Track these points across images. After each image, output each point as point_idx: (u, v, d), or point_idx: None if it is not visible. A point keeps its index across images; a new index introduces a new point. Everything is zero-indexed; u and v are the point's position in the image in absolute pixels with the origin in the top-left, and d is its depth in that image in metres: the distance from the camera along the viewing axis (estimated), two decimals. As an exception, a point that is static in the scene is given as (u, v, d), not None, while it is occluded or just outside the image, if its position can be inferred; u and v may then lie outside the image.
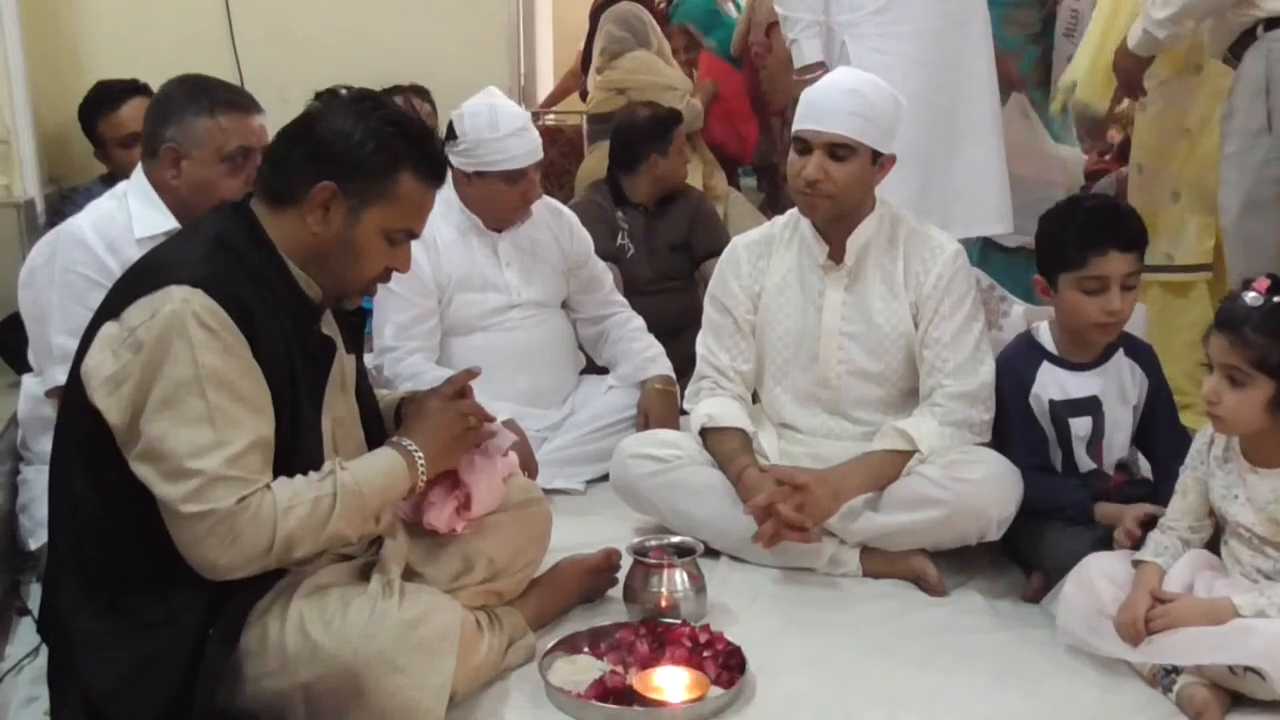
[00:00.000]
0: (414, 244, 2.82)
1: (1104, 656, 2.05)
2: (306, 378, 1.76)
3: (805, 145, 2.45)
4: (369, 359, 2.75)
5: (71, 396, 1.70)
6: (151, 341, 1.61)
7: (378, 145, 1.74)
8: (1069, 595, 2.10)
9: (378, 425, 2.00)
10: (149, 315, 1.62)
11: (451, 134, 2.95)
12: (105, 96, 3.39)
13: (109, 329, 1.65)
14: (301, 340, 1.76)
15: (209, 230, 1.76)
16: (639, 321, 3.25)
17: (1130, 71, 3.11)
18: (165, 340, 1.61)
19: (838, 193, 2.45)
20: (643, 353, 3.18)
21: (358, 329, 1.97)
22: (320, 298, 1.81)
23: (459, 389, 2.00)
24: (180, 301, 1.62)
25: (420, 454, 1.85)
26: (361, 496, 1.74)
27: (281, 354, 1.70)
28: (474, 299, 3.01)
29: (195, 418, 1.61)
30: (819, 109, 2.44)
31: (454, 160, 2.90)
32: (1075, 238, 2.34)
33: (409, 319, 2.93)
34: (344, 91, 1.80)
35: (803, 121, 2.46)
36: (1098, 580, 2.07)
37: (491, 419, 2.02)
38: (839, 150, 2.42)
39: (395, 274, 2.79)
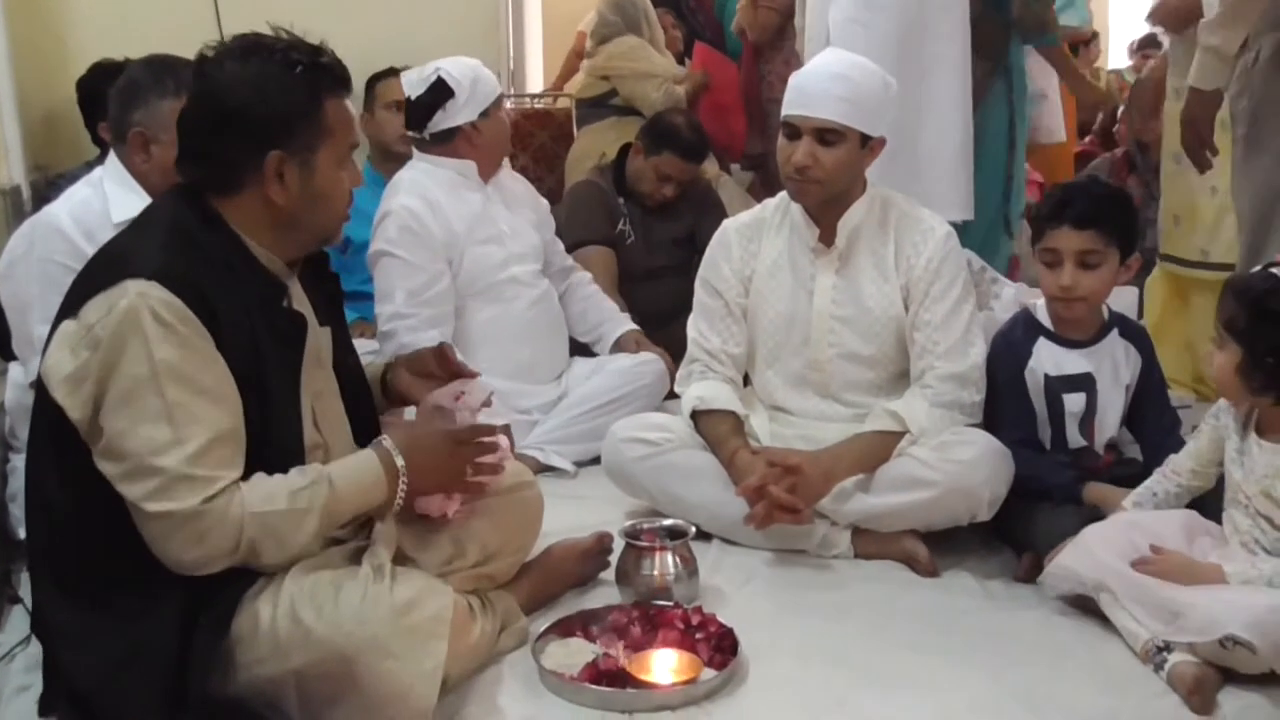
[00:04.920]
0: (419, 207, 2.98)
1: (1095, 636, 2.07)
2: (278, 358, 1.73)
3: (794, 130, 2.44)
4: (360, 344, 2.75)
5: (39, 395, 1.68)
6: (108, 339, 1.59)
7: (294, 92, 1.70)
8: (1065, 562, 2.12)
9: (362, 396, 1.98)
10: (105, 311, 1.60)
11: (445, 95, 2.99)
12: (115, 71, 3.36)
13: (67, 326, 1.63)
14: (270, 320, 1.73)
15: (163, 218, 1.73)
16: (595, 286, 3.46)
17: (1198, 119, 2.75)
18: (120, 337, 1.59)
19: (827, 178, 2.44)
20: (613, 314, 3.41)
21: (334, 299, 1.95)
22: (286, 274, 1.79)
23: (441, 361, 2.01)
24: (136, 295, 1.59)
25: (404, 484, 1.80)
26: (339, 513, 1.74)
27: (246, 339, 1.68)
28: (480, 252, 3.05)
29: (153, 415, 1.59)
30: (806, 94, 2.44)
31: (460, 118, 3.01)
32: (1039, 211, 2.46)
33: (419, 284, 2.94)
34: (209, 53, 1.73)
35: (790, 107, 2.46)
36: (1097, 548, 2.08)
37: (492, 431, 1.98)
38: (827, 135, 2.42)
39: (402, 241, 2.77)
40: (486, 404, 2.04)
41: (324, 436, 1.84)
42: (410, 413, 2.16)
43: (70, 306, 1.65)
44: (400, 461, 1.80)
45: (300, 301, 1.84)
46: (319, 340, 1.86)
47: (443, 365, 2.06)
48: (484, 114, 3.03)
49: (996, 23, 3.35)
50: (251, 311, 1.70)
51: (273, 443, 1.71)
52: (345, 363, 1.96)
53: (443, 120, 3.02)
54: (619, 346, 3.33)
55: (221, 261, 1.70)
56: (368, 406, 2.00)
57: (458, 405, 1.99)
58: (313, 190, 1.74)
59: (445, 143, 3.05)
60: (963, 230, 3.16)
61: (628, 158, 3.83)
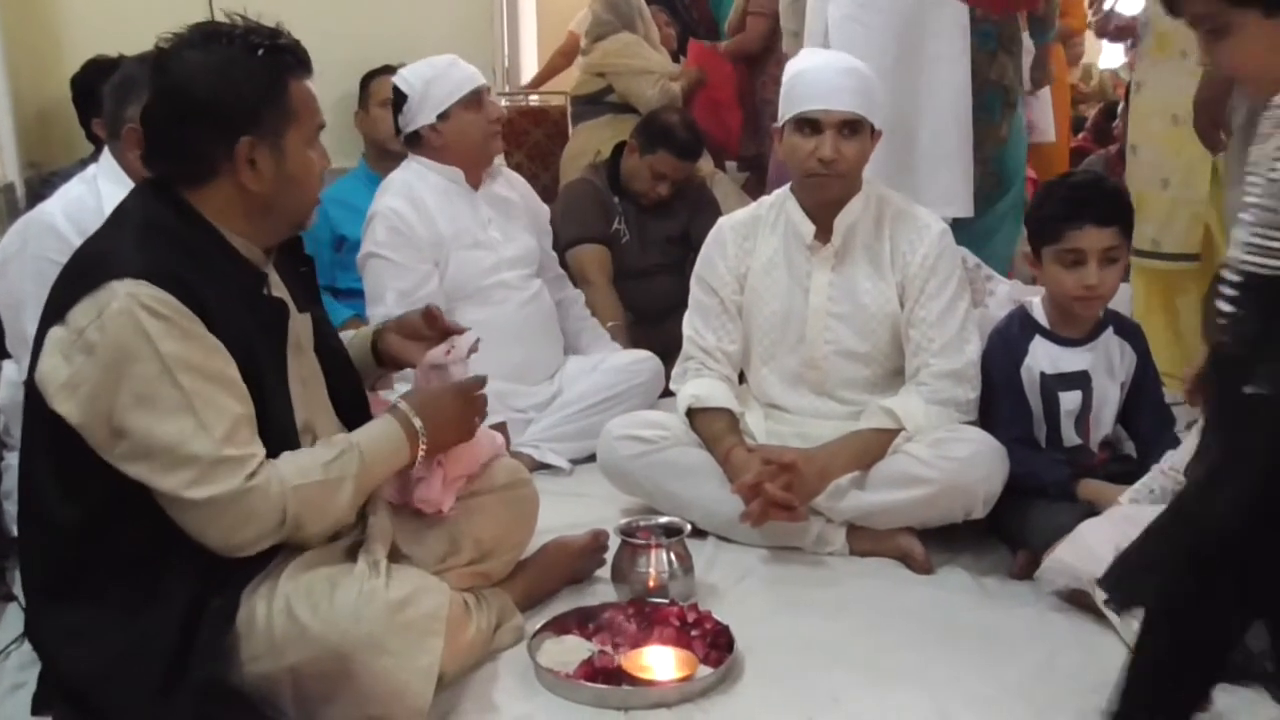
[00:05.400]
0: (404, 209, 2.99)
1: (1090, 631, 2.08)
2: (265, 346, 1.74)
3: (814, 126, 2.45)
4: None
5: (31, 405, 1.67)
6: (107, 343, 1.58)
7: (258, 76, 1.69)
8: (1061, 557, 2.13)
9: (346, 377, 1.98)
10: (95, 314, 1.59)
11: (400, 101, 3.00)
12: (109, 68, 3.35)
13: (56, 333, 1.62)
14: (253, 308, 1.73)
15: (136, 216, 1.72)
16: (587, 309, 3.42)
17: (1211, 101, 2.78)
18: (122, 339, 1.58)
19: (850, 170, 2.47)
20: (604, 341, 3.36)
21: (309, 283, 1.95)
22: (264, 261, 1.79)
23: (430, 322, 2.04)
24: (125, 296, 1.58)
25: (424, 445, 1.86)
26: (370, 478, 1.78)
27: (236, 330, 1.68)
28: (468, 257, 3.03)
29: (174, 407, 1.59)
30: (826, 89, 2.45)
31: (417, 122, 3.00)
32: (1054, 211, 2.39)
33: (410, 285, 2.93)
34: (165, 45, 1.72)
35: (808, 103, 2.45)
36: (1093, 543, 2.08)
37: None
38: (849, 127, 2.44)
39: (389, 243, 2.81)
40: (474, 350, 2.04)
41: (311, 421, 1.84)
42: (391, 393, 2.17)
43: (55, 312, 1.64)
44: (418, 423, 1.84)
45: (278, 288, 1.84)
46: (299, 326, 1.86)
47: (432, 325, 2.06)
48: (443, 116, 2.99)
49: (1019, 25, 3.41)
50: (236, 302, 1.70)
51: (267, 429, 1.71)
52: (327, 346, 1.95)
53: (404, 124, 3.03)
54: None
55: (200, 254, 1.69)
56: (354, 386, 2.00)
57: (449, 359, 2.00)
58: (285, 173, 1.74)
59: (415, 145, 3.05)
60: (992, 229, 3.20)
61: (622, 156, 3.83)
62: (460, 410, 1.94)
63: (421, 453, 1.85)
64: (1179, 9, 1.56)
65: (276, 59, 1.72)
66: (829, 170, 2.45)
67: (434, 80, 2.98)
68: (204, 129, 1.69)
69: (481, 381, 1.98)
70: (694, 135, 3.82)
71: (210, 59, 1.69)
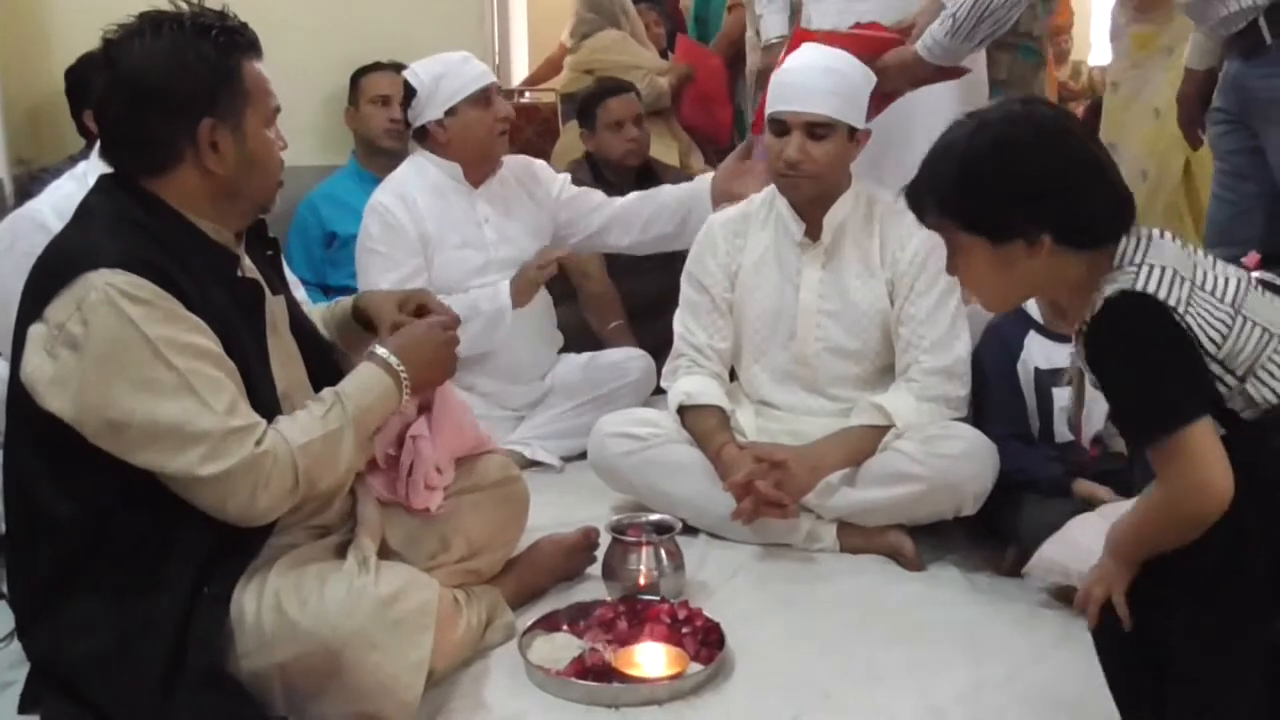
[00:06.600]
0: (394, 202, 2.98)
1: (1079, 627, 2.03)
2: (244, 326, 1.73)
3: (783, 127, 2.45)
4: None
5: (16, 404, 1.66)
6: (93, 335, 1.57)
7: (211, 58, 1.68)
8: (1049, 554, 2.13)
9: (322, 356, 1.98)
10: (74, 308, 1.58)
11: (410, 96, 2.98)
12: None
13: (36, 331, 1.62)
14: (230, 291, 1.73)
15: (102, 209, 1.71)
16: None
17: (1190, 98, 2.86)
18: (107, 329, 1.57)
19: (819, 172, 2.45)
20: (670, 189, 3.16)
21: (276, 265, 1.94)
22: (234, 244, 1.78)
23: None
24: (102, 286, 1.58)
25: (407, 385, 1.86)
26: (366, 424, 1.79)
27: (216, 311, 1.67)
28: (454, 256, 3.00)
29: (172, 388, 1.59)
30: (795, 90, 2.44)
31: (425, 116, 2.97)
32: None
33: (398, 279, 2.91)
34: (112, 36, 1.71)
35: (779, 104, 2.46)
36: (1081, 539, 2.08)
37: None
38: (817, 129, 2.43)
39: (382, 237, 2.81)
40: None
41: (293, 401, 1.83)
42: None
43: (32, 311, 1.63)
44: (395, 361, 1.85)
45: (251, 271, 1.84)
46: (275, 308, 1.86)
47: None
48: (450, 111, 2.97)
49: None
50: (212, 285, 1.69)
51: (253, 408, 1.69)
52: (301, 327, 1.95)
53: (413, 118, 3.02)
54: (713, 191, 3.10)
55: (172, 242, 1.68)
56: (331, 366, 1.99)
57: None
58: (247, 155, 1.73)
59: (422, 140, 3.04)
60: None
61: (588, 150, 3.84)
62: (436, 347, 1.93)
63: (407, 392, 1.85)
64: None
65: (229, 40, 1.71)
66: (795, 172, 2.45)
67: (444, 76, 2.96)
68: (164, 116, 1.68)
69: (455, 320, 1.99)
70: (612, 80, 3.94)
71: (160, 45, 1.68)
